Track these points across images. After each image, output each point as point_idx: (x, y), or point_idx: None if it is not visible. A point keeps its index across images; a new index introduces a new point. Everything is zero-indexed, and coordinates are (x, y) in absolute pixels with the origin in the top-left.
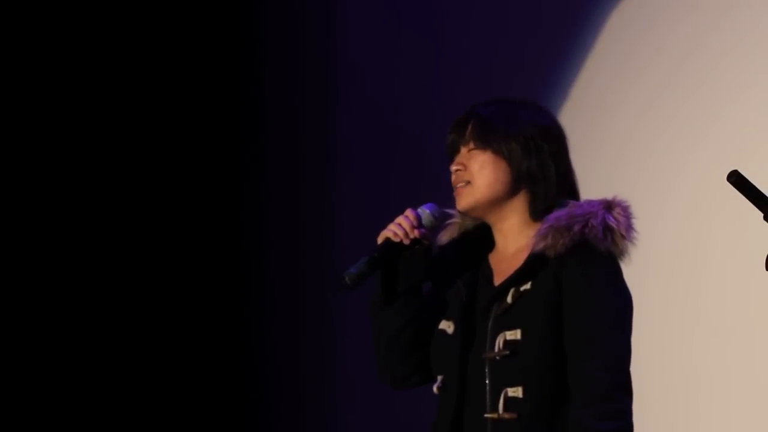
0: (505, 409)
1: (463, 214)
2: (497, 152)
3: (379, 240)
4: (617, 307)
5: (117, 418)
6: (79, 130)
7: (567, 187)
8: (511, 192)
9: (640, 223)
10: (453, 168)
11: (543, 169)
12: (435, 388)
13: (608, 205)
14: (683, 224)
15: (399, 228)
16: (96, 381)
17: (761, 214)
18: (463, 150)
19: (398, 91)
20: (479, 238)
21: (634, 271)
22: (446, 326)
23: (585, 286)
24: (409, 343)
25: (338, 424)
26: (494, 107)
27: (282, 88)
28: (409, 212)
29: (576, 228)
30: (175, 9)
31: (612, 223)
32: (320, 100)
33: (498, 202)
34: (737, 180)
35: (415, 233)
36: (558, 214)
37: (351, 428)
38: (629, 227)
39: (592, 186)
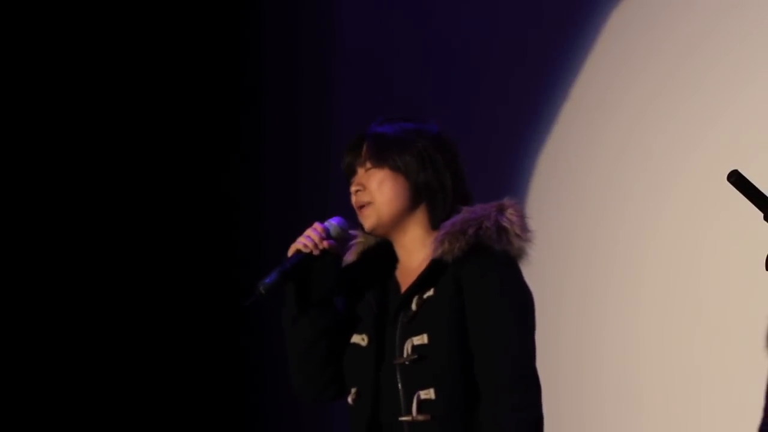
0: (419, 411)
1: (367, 233)
2: (393, 168)
3: (290, 252)
4: (518, 305)
5: (123, 419)
6: (73, 124)
7: (462, 194)
8: (412, 205)
9: (638, 223)
10: (353, 189)
11: (439, 179)
12: (350, 400)
13: (501, 207)
14: (683, 224)
15: (308, 240)
16: (104, 381)
17: (761, 214)
18: (360, 171)
19: (397, 92)
20: (383, 255)
21: (634, 272)
22: (359, 339)
23: (484, 287)
24: (323, 355)
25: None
26: (386, 126)
27: (281, 87)
28: (317, 225)
29: (470, 231)
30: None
31: (505, 223)
32: (318, 96)
33: (400, 216)
34: (737, 180)
35: (324, 244)
36: (453, 220)
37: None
38: (523, 227)
39: (591, 186)
